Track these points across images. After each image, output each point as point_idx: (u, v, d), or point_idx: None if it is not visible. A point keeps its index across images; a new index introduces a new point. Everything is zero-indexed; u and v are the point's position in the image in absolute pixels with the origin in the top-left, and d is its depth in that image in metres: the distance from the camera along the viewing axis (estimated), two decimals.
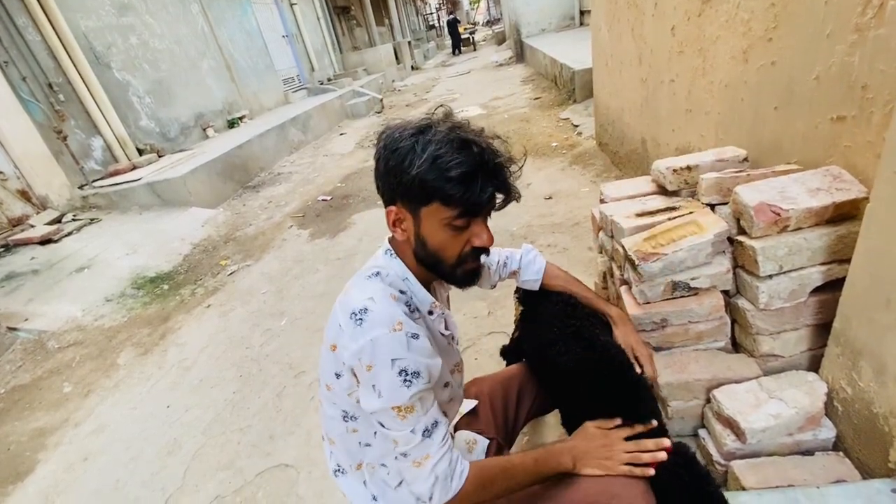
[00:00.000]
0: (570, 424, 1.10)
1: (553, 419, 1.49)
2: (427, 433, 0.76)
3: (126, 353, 2.70)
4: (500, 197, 0.77)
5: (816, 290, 1.17)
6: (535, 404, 1.18)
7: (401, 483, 0.89)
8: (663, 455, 0.83)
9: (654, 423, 0.85)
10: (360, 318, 0.74)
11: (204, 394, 2.20)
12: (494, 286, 1.22)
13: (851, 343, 1.05)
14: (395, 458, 0.79)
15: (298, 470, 1.66)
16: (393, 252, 0.86)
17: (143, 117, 5.57)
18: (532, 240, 2.80)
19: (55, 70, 4.54)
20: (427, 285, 0.88)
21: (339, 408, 0.88)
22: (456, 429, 1.06)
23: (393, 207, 0.80)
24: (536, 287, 1.19)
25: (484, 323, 2.21)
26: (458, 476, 0.78)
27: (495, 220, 0.81)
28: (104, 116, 4.92)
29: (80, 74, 4.67)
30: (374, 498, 0.92)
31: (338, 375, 0.82)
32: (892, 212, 0.89)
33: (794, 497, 1.00)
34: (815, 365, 1.22)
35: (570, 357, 0.99)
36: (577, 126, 4.76)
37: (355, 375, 0.78)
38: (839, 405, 1.12)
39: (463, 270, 0.82)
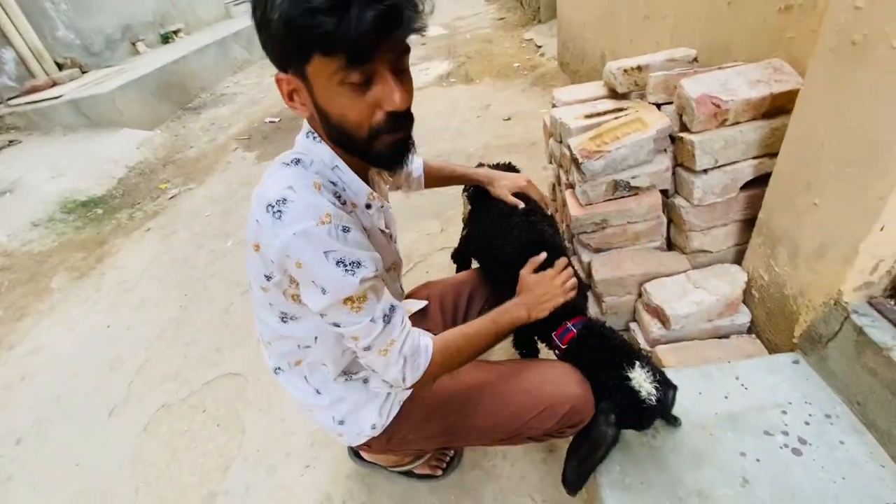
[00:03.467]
0: None
1: None
2: (387, 319, 0.71)
3: (60, 277, 2.55)
4: (398, 33, 0.56)
5: (746, 186, 1.20)
6: (485, 308, 1.18)
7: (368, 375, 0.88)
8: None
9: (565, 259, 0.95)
10: (279, 211, 0.64)
11: (146, 313, 2.13)
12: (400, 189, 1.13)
13: (772, 231, 1.10)
14: (359, 354, 0.74)
15: (247, 377, 1.66)
16: (315, 135, 0.72)
17: (60, 27, 4.87)
18: (488, 160, 2.74)
19: None
20: (363, 173, 0.78)
21: (276, 309, 0.80)
22: None
23: (282, 75, 0.64)
24: (423, 184, 1.15)
25: (436, 240, 2.20)
26: (424, 352, 0.76)
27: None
28: (14, 24, 4.25)
29: None
30: (318, 392, 0.91)
31: (268, 277, 0.74)
32: (821, 93, 0.90)
33: (707, 371, 1.09)
34: (740, 259, 1.29)
35: (506, 250, 1.03)
36: (540, 47, 4.56)
37: (288, 274, 0.70)
38: (756, 292, 1.20)
39: (383, 145, 0.66)
